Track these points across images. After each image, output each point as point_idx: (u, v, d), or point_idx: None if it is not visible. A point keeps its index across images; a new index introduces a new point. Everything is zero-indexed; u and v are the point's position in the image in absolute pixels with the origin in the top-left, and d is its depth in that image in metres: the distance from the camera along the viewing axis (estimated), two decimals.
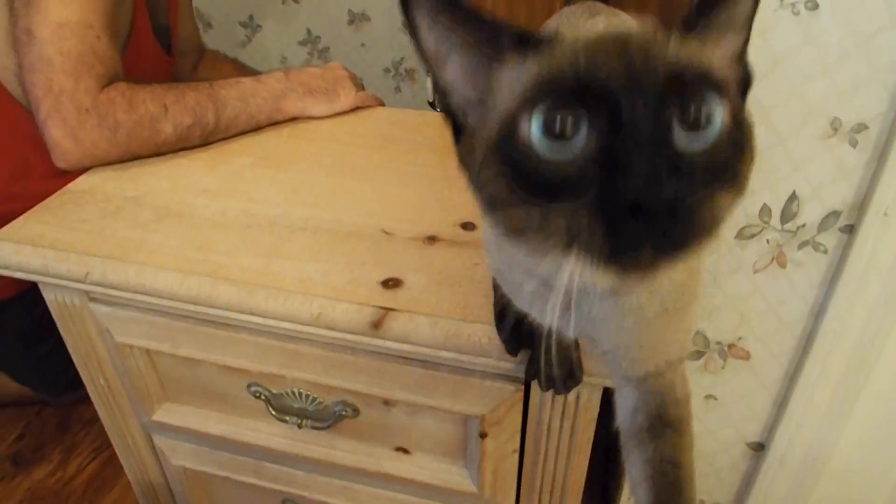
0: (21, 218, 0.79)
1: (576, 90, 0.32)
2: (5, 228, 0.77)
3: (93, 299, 0.76)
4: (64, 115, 0.84)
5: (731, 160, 0.33)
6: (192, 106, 0.90)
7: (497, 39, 0.36)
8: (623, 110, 0.30)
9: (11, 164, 1.10)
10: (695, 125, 0.31)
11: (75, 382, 0.87)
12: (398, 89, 1.79)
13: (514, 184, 0.33)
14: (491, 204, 0.36)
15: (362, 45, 1.75)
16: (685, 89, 0.31)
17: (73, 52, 0.86)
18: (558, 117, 0.32)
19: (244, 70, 1.42)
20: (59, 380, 1.33)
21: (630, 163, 0.30)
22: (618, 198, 0.30)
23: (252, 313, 0.68)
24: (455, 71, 0.38)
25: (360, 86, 1.08)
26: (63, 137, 0.84)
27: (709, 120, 0.31)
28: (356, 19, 1.72)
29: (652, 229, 0.30)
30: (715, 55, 0.36)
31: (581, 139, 0.32)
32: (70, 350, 0.84)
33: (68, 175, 0.88)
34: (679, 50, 0.32)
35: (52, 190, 0.87)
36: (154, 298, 0.70)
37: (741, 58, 0.39)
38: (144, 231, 0.76)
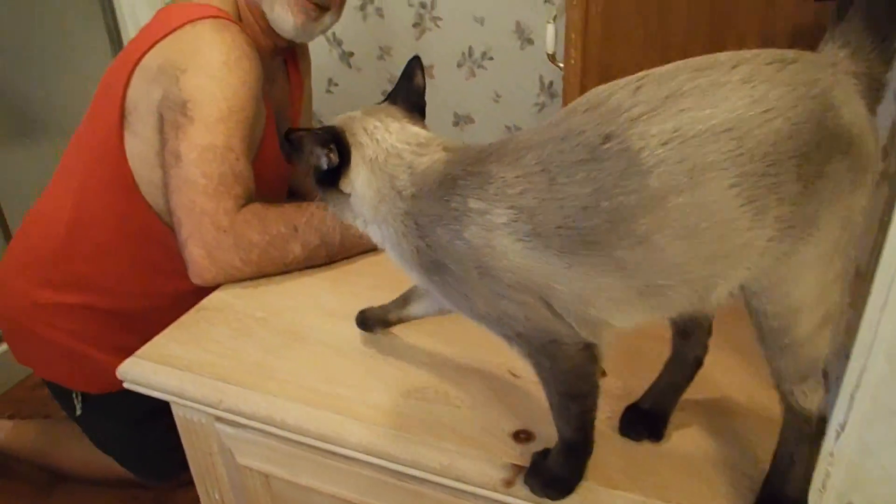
0: (159, 336, 0.82)
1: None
2: (145, 348, 0.80)
3: (219, 419, 0.78)
4: (204, 235, 0.89)
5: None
6: (319, 226, 0.94)
7: None
8: None
9: (147, 266, 1.17)
10: None
11: (177, 469, 0.88)
12: None
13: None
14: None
15: None
16: None
17: (216, 175, 0.91)
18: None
19: None
20: (163, 467, 1.36)
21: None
22: None
23: (379, 456, 0.67)
24: None
25: None
26: (201, 256, 0.89)
27: None
28: (461, 121, 1.77)
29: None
30: None
31: None
32: (190, 463, 0.85)
33: None
34: None
35: (182, 289, 0.93)
36: (283, 431, 0.71)
37: None
38: (275, 357, 0.78)
